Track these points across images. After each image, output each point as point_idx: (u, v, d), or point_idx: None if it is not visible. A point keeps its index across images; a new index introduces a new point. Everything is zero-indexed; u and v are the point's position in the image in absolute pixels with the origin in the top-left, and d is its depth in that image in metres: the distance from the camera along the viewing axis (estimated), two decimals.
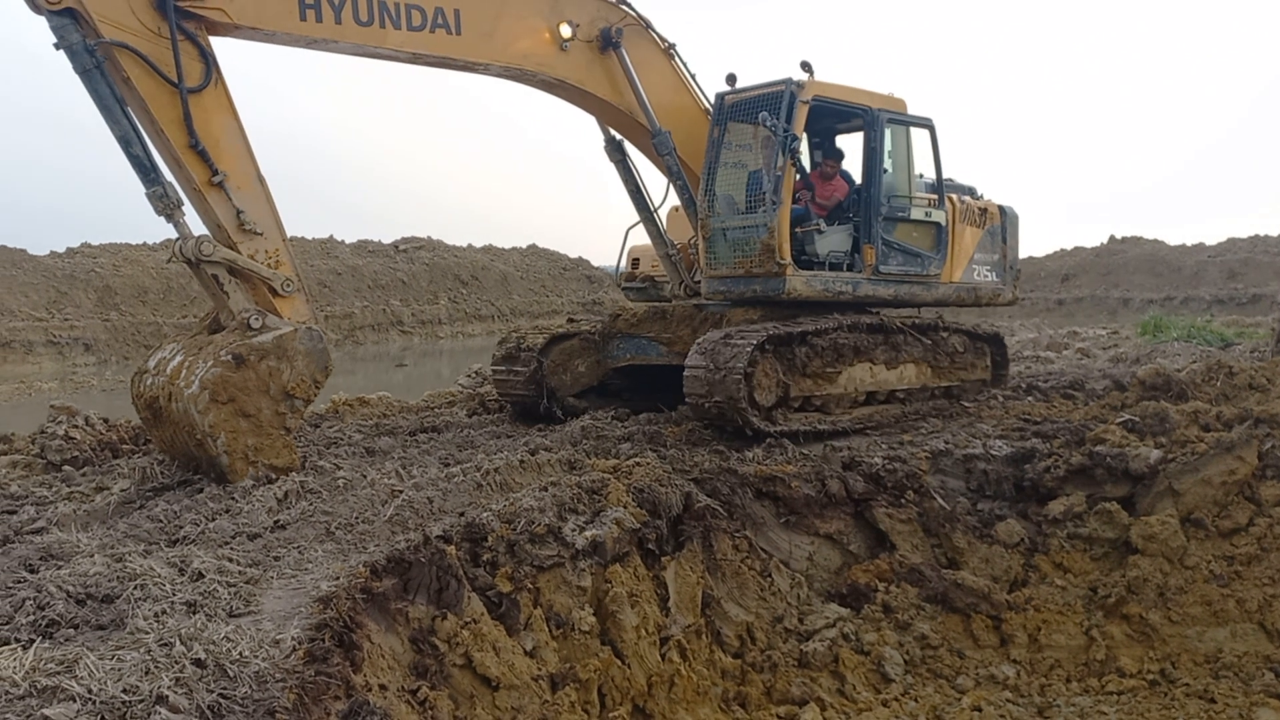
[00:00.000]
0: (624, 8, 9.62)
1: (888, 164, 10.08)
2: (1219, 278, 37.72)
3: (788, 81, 9.46)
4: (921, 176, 10.56)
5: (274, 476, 7.32)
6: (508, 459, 7.57)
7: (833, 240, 9.88)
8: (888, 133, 10.00)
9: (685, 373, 8.83)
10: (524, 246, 49.09)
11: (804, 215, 9.87)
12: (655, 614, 6.41)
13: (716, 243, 9.88)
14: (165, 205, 7.21)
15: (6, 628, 4.58)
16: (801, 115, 9.36)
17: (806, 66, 9.44)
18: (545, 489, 6.75)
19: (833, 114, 10.17)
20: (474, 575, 5.74)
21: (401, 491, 6.85)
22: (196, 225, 7.59)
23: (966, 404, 10.62)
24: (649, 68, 9.89)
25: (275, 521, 6.47)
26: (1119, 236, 43.58)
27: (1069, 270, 42.48)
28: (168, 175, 7.32)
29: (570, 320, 11.97)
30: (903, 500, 7.76)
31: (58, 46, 6.82)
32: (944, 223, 10.44)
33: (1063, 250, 44.54)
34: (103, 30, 6.84)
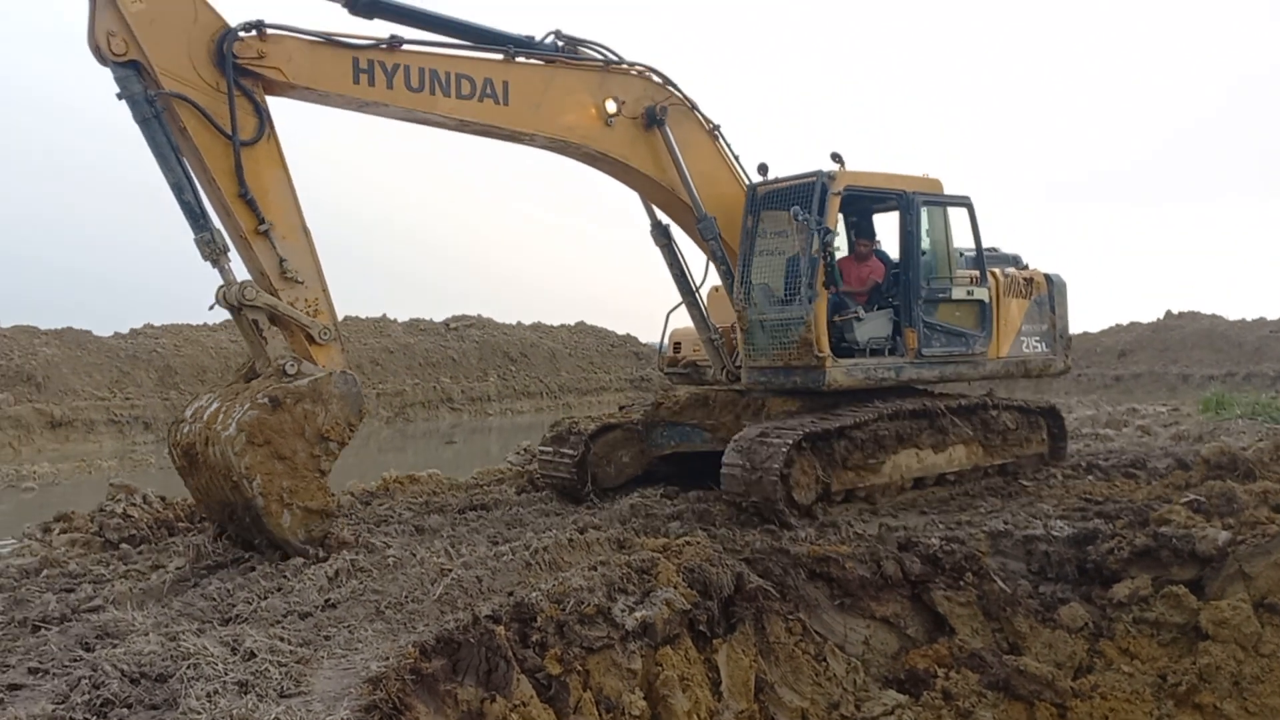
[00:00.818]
0: (670, 89, 9.78)
1: (925, 245, 10.04)
2: None
3: (819, 173, 9.50)
4: (961, 255, 10.52)
5: (324, 555, 7.38)
6: (557, 537, 7.52)
7: (872, 326, 9.82)
8: (924, 214, 9.98)
9: (722, 470, 8.80)
10: (572, 323, 49.45)
11: (840, 303, 9.80)
12: (707, 698, 6.27)
13: (755, 333, 9.85)
14: (211, 250, 7.37)
15: (63, 707, 4.60)
16: (834, 207, 9.40)
17: (837, 158, 9.52)
18: (594, 568, 6.69)
19: (866, 198, 10.24)
20: (523, 656, 5.67)
21: (451, 570, 6.82)
22: (240, 274, 7.71)
23: (1025, 482, 10.40)
24: (693, 148, 9.96)
25: (326, 600, 6.48)
26: (1175, 311, 42.92)
27: (1125, 346, 41.80)
28: (216, 223, 7.49)
29: (621, 409, 11.94)
30: (961, 582, 7.57)
31: (120, 96, 7.09)
32: (987, 299, 10.38)
33: (1118, 325, 43.90)
34: (163, 82, 7.12)
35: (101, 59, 7.09)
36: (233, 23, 7.41)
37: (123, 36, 6.99)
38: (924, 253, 9.98)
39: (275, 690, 4.78)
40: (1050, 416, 11.23)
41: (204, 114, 7.24)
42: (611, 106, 9.29)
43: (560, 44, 9.08)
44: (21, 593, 7.17)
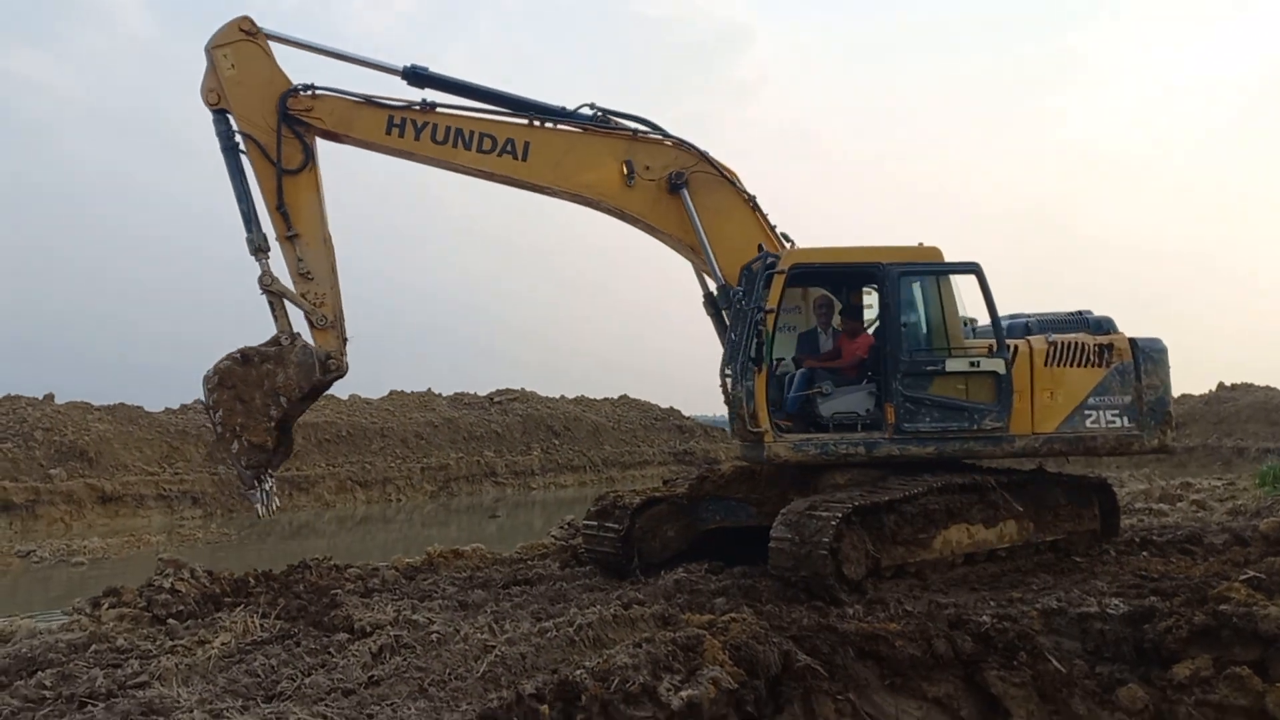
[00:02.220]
0: (702, 158, 10.16)
1: (912, 317, 9.89)
2: None
3: (763, 254, 9.72)
4: (972, 323, 10.29)
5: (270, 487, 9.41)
6: (601, 613, 7.47)
7: (842, 402, 9.81)
8: (906, 286, 9.84)
9: (770, 544, 8.69)
10: (615, 397, 49.56)
11: (811, 378, 9.90)
12: None
13: (734, 405, 9.98)
14: (253, 247, 9.45)
15: None
16: (777, 286, 9.43)
17: (784, 237, 9.97)
18: (639, 645, 6.60)
19: (843, 276, 10.34)
20: None
21: (494, 647, 6.79)
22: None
23: (1078, 558, 10.16)
24: (725, 216, 10.27)
25: (370, 677, 6.47)
26: (1228, 384, 42.17)
27: (1177, 418, 40.79)
28: (264, 229, 9.50)
29: (666, 483, 11.90)
30: (1015, 662, 7.36)
31: (217, 134, 9.52)
32: (1003, 370, 9.78)
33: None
34: (239, 124, 9.51)
35: (206, 104, 9.52)
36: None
37: (217, 92, 9.45)
38: (905, 325, 9.78)
39: None
40: (1102, 491, 10.98)
41: (260, 147, 9.46)
42: (632, 168, 9.98)
43: (595, 114, 10.07)
44: (70, 668, 7.22)
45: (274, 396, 9.16)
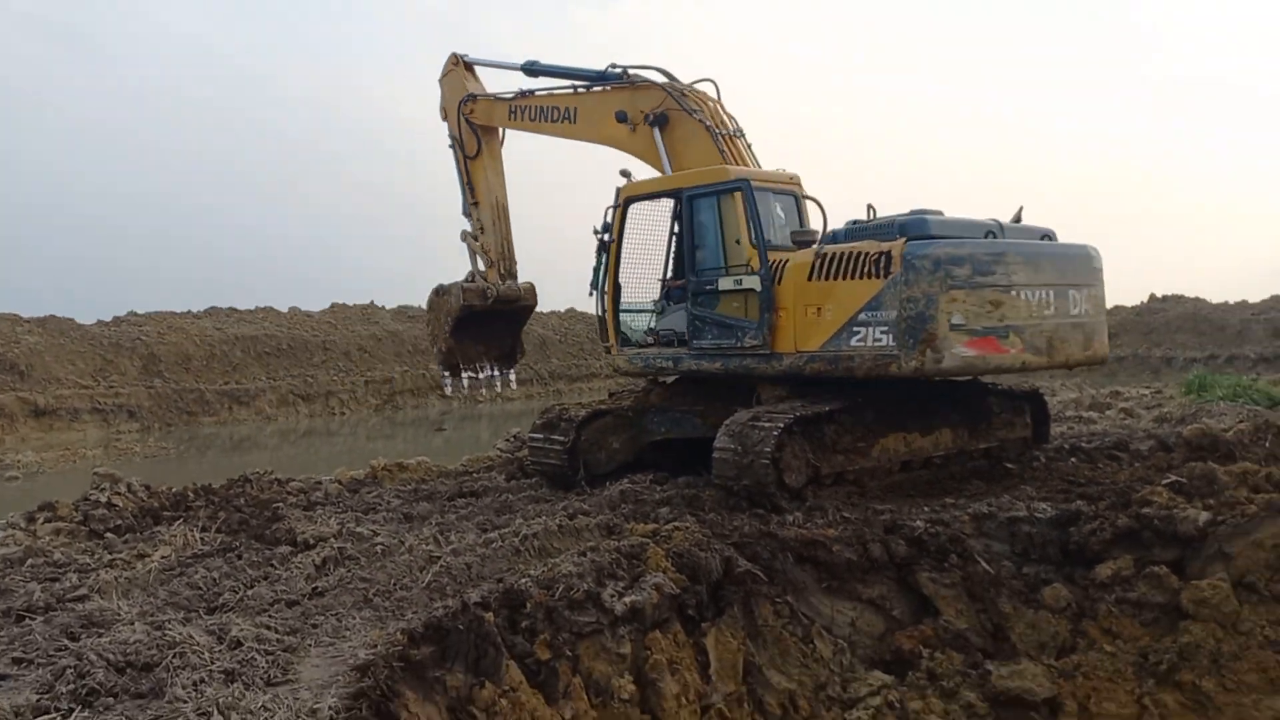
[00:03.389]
0: (669, 95, 10.80)
1: (699, 239, 10.13)
2: (1264, 336, 37.08)
3: (616, 189, 10.66)
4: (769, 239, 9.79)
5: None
6: (546, 524, 7.54)
7: (670, 320, 10.60)
8: (694, 208, 10.11)
9: (714, 454, 8.82)
10: (562, 310, 49.36)
11: (663, 297, 10.82)
12: (696, 681, 6.31)
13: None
14: (464, 211, 13.45)
15: (47, 696, 4.60)
16: (617, 217, 10.62)
17: (624, 173, 10.86)
18: (584, 554, 6.71)
19: (671, 201, 10.69)
20: (512, 642, 5.69)
21: (440, 558, 6.84)
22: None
23: (1009, 465, 10.45)
24: (692, 146, 10.72)
25: (313, 588, 6.50)
26: (1159, 295, 43.19)
27: (1109, 329, 41.98)
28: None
29: (612, 395, 11.99)
30: (946, 564, 7.61)
31: (449, 137, 13.51)
32: (758, 287, 9.40)
33: None
34: (451, 130, 13.43)
35: (442, 120, 13.64)
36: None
37: (445, 109, 13.55)
38: (695, 247, 10.06)
39: (262, 679, 4.79)
40: (1033, 400, 11.26)
41: (456, 144, 13.36)
42: (624, 116, 11.26)
43: (619, 71, 11.52)
44: (6, 582, 7.15)
45: (447, 316, 12.92)
